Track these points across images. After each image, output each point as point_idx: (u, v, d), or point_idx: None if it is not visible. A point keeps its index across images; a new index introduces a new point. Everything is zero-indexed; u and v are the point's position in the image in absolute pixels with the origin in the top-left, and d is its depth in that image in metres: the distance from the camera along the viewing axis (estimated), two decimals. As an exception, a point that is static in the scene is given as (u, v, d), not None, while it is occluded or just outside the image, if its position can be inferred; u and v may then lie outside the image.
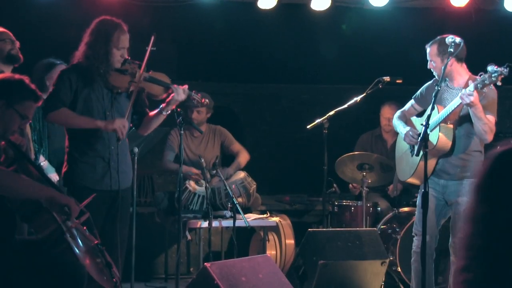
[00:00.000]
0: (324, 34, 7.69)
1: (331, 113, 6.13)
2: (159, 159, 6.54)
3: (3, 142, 3.65)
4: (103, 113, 4.47)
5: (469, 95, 4.51)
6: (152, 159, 7.09)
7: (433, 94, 4.64)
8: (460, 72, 4.90)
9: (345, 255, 5.39)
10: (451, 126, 4.83)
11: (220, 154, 6.60)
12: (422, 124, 4.51)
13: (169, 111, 4.63)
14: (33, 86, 3.69)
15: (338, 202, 6.67)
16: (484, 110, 4.65)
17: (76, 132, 4.46)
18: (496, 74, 4.39)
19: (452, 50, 4.65)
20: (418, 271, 4.88)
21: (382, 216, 6.50)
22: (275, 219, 6.33)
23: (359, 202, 6.51)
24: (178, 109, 4.91)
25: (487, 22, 7.18)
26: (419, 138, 4.49)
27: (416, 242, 5.01)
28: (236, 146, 6.58)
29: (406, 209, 6.35)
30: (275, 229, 6.67)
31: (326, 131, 6.12)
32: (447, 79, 4.91)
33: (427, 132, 4.47)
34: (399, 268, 6.03)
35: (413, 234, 5.08)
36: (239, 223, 5.68)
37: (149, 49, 4.52)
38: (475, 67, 4.80)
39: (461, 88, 4.78)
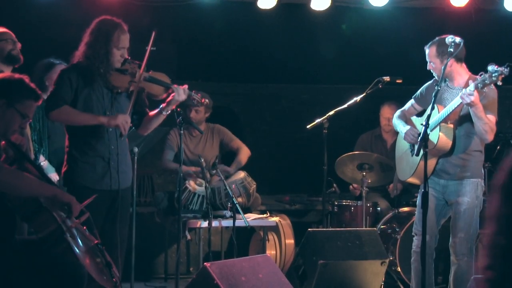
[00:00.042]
0: (324, 34, 7.68)
1: (331, 113, 6.13)
2: (159, 158, 6.55)
3: (3, 142, 3.66)
4: (103, 113, 4.47)
5: (470, 94, 4.51)
6: (152, 159, 7.09)
7: (433, 94, 4.64)
8: (460, 72, 4.90)
9: (345, 255, 5.39)
10: (452, 125, 4.84)
11: (220, 153, 6.60)
12: (422, 124, 4.51)
13: (169, 111, 4.63)
14: (33, 85, 3.70)
15: (338, 202, 6.67)
16: (485, 109, 4.65)
17: (76, 132, 4.46)
18: (496, 74, 4.39)
19: (452, 50, 4.65)
20: (418, 270, 4.88)
21: (382, 216, 6.51)
22: (275, 219, 6.33)
23: (359, 202, 6.51)
24: (178, 109, 4.91)
25: (487, 22, 7.18)
26: (419, 137, 4.49)
27: (416, 241, 5.02)
28: (236, 142, 6.58)
29: (406, 209, 6.36)
30: (275, 229, 6.67)
31: (326, 131, 6.12)
32: (447, 79, 4.91)
33: (427, 132, 4.47)
34: (399, 268, 6.04)
35: (413, 233, 5.08)
36: (239, 223, 5.68)
37: (149, 46, 4.52)
38: (475, 67, 4.80)
39: (461, 88, 4.78)
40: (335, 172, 6.59)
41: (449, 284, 4.93)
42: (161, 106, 4.60)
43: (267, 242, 6.31)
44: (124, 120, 4.39)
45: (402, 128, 5.10)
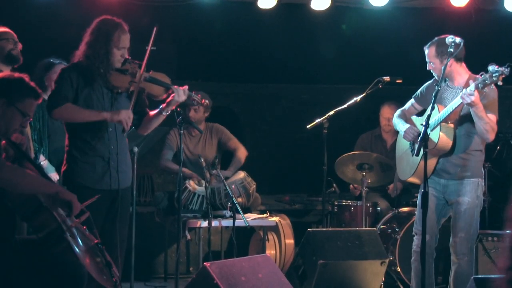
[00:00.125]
0: (324, 34, 7.68)
1: (331, 113, 6.14)
2: (159, 158, 6.55)
3: (3, 141, 3.66)
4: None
5: (470, 94, 4.52)
6: (152, 158, 7.09)
7: (433, 94, 4.64)
8: (460, 71, 4.90)
9: (345, 255, 5.39)
10: (452, 125, 4.84)
11: (219, 153, 6.60)
12: (422, 124, 4.51)
13: (169, 112, 4.63)
14: (32, 84, 3.71)
15: (337, 202, 6.67)
16: (485, 109, 4.66)
17: (76, 131, 4.46)
18: (497, 74, 4.40)
19: (452, 50, 4.65)
20: (418, 270, 4.88)
21: (381, 216, 6.51)
22: (275, 219, 6.33)
23: (358, 202, 6.52)
24: (178, 109, 4.91)
25: (487, 22, 7.18)
26: (419, 138, 4.49)
27: (416, 241, 5.02)
28: (234, 142, 6.58)
29: (405, 209, 6.36)
30: (275, 229, 6.67)
31: (326, 131, 6.13)
32: (447, 79, 4.91)
33: (427, 132, 4.47)
34: (398, 268, 6.04)
35: (413, 233, 5.08)
36: (239, 222, 5.68)
37: (150, 44, 4.51)
38: (475, 67, 4.80)
39: (461, 88, 4.78)
40: (335, 172, 6.59)
41: (449, 284, 4.93)
42: (161, 106, 4.60)
43: (267, 242, 6.31)
44: (126, 116, 4.39)
45: (401, 127, 5.10)
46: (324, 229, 6.16)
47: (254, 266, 4.54)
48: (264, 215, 6.29)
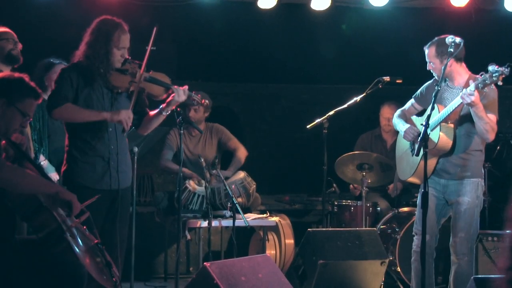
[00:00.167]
0: (324, 34, 7.68)
1: (331, 113, 6.14)
2: (159, 158, 6.55)
3: (3, 141, 3.66)
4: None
5: (470, 94, 4.52)
6: (152, 158, 7.09)
7: (433, 94, 4.64)
8: (460, 71, 4.91)
9: (345, 255, 5.39)
10: (452, 125, 4.84)
11: (219, 153, 6.60)
12: (422, 124, 4.51)
13: (169, 112, 4.63)
14: (32, 83, 3.71)
15: (337, 202, 6.67)
16: (485, 109, 4.66)
17: (76, 131, 4.46)
18: (497, 74, 4.40)
19: (452, 50, 4.65)
20: (418, 270, 4.89)
21: (381, 216, 6.51)
22: (275, 219, 6.33)
23: (358, 202, 6.52)
24: (178, 109, 4.91)
25: (487, 22, 7.18)
26: (419, 138, 4.49)
27: (416, 241, 5.02)
28: (234, 142, 6.59)
29: (405, 209, 6.36)
30: (275, 229, 6.67)
31: (326, 131, 6.13)
32: (447, 78, 4.91)
33: (427, 132, 4.47)
34: (398, 268, 6.04)
35: (413, 233, 5.08)
36: (239, 222, 5.68)
37: (150, 44, 4.51)
38: (475, 67, 4.80)
39: (461, 87, 4.79)
40: (335, 172, 6.59)
41: (449, 284, 4.93)
42: (161, 106, 4.60)
43: (267, 242, 6.31)
44: (126, 116, 4.40)
45: (401, 126, 5.10)
46: (324, 229, 6.16)
47: (254, 266, 4.54)
48: (264, 215, 6.29)
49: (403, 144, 5.22)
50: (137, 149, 5.55)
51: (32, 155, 4.90)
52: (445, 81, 4.89)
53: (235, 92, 8.19)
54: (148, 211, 6.90)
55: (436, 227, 4.97)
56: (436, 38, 4.89)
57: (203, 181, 6.02)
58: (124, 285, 4.63)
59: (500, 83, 4.45)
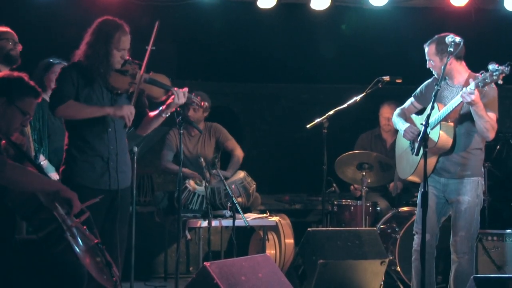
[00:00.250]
0: (323, 33, 7.68)
1: (331, 112, 6.14)
2: (159, 158, 6.55)
3: (3, 141, 3.67)
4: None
5: (470, 93, 4.52)
6: (151, 158, 7.09)
7: (433, 93, 4.64)
8: (460, 70, 4.91)
9: (345, 255, 5.39)
10: (452, 124, 4.84)
11: (218, 152, 6.60)
12: (422, 124, 4.51)
13: (169, 113, 4.64)
14: (32, 82, 3.72)
15: (337, 201, 6.67)
16: (485, 108, 4.66)
17: (76, 130, 4.45)
18: (497, 73, 4.40)
19: (452, 49, 4.65)
20: (419, 269, 4.88)
21: (381, 215, 6.51)
22: (275, 218, 6.33)
23: (358, 201, 6.52)
24: (178, 108, 4.90)
25: (487, 21, 7.19)
26: (419, 137, 4.49)
27: (417, 240, 5.02)
28: (231, 143, 6.58)
29: (405, 208, 6.36)
30: (275, 228, 6.67)
31: (326, 131, 6.13)
32: (446, 77, 4.92)
33: (427, 132, 4.47)
34: (398, 267, 6.04)
35: (413, 232, 5.08)
36: (239, 222, 5.68)
37: (150, 44, 4.50)
38: (475, 67, 4.80)
39: (461, 86, 4.79)
40: (335, 172, 6.59)
41: (449, 283, 4.93)
42: (160, 108, 4.61)
43: (266, 241, 6.32)
44: (129, 111, 4.40)
45: (401, 125, 5.11)
46: (324, 228, 6.16)
47: (254, 266, 4.54)
48: (264, 215, 6.29)
49: (402, 143, 5.22)
50: (137, 149, 5.55)
51: (33, 154, 4.90)
52: (444, 79, 4.89)
53: (235, 92, 8.19)
54: (148, 211, 6.90)
55: (437, 226, 4.97)
56: (436, 36, 4.89)
57: (203, 181, 6.02)
58: (124, 285, 4.63)
59: (500, 81, 4.45)
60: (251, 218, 6.00)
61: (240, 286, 4.28)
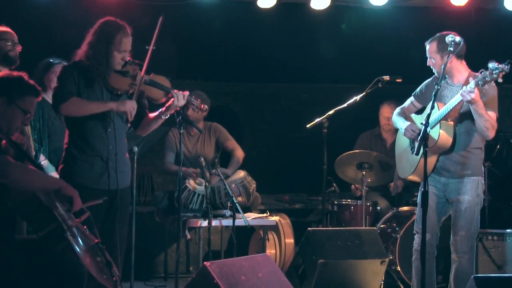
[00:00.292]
0: (323, 33, 7.68)
1: (331, 112, 6.14)
2: (159, 158, 6.55)
3: (4, 141, 3.67)
4: (103, 115, 4.45)
5: (470, 92, 4.52)
6: (151, 158, 7.09)
7: (433, 93, 4.64)
8: (460, 69, 4.91)
9: (345, 254, 5.39)
10: (452, 123, 4.84)
11: (219, 152, 6.60)
12: (422, 123, 4.51)
13: (168, 115, 4.65)
14: (32, 81, 3.73)
15: (337, 201, 6.67)
16: (485, 106, 4.66)
17: (76, 130, 4.45)
18: (497, 71, 4.40)
19: (452, 49, 4.65)
20: (419, 269, 4.88)
21: (381, 215, 6.51)
22: (275, 218, 6.33)
23: (358, 201, 6.52)
24: (177, 108, 4.90)
25: (487, 21, 7.19)
26: (419, 137, 4.49)
27: (417, 239, 5.02)
28: (231, 143, 6.58)
29: (405, 208, 6.36)
30: (275, 228, 6.67)
31: (326, 131, 6.13)
32: (446, 76, 4.92)
33: (427, 131, 4.47)
34: (398, 267, 6.04)
35: (414, 232, 5.08)
36: (239, 222, 5.68)
37: (152, 43, 4.51)
38: (475, 66, 4.80)
39: (461, 85, 4.79)
40: (335, 172, 6.59)
41: (450, 282, 4.93)
42: (160, 110, 4.61)
43: (267, 241, 6.32)
44: (131, 106, 4.41)
45: (401, 124, 5.10)
46: (324, 228, 6.16)
47: (254, 266, 4.54)
48: (264, 215, 6.29)
49: (403, 142, 5.22)
50: (137, 148, 5.55)
51: (33, 154, 4.90)
52: (444, 78, 4.89)
53: (235, 91, 8.19)
54: (148, 210, 6.90)
55: (437, 226, 4.97)
56: (437, 34, 4.90)
57: (203, 180, 6.02)
58: (124, 285, 4.63)
59: (500, 80, 4.45)
60: (251, 217, 6.00)
61: (240, 286, 4.28)
